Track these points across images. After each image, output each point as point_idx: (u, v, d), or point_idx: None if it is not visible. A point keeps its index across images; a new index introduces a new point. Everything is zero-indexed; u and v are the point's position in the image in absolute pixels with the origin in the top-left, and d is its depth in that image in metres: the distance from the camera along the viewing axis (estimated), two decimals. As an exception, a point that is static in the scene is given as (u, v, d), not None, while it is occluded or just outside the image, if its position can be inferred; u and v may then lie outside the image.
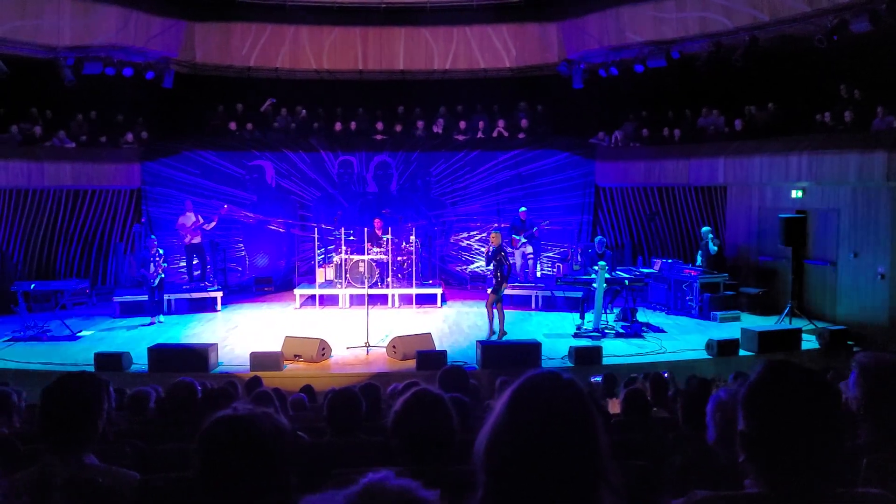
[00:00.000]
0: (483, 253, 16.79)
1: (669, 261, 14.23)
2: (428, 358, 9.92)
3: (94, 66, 14.62)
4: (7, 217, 14.51)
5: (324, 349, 10.53)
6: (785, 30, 13.06)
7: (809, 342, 11.11)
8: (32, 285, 12.54)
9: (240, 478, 1.79)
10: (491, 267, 11.81)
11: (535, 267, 15.24)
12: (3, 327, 12.33)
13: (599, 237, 13.38)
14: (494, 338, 11.56)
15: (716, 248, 13.70)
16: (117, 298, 13.83)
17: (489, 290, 11.84)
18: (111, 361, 9.78)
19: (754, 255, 14.42)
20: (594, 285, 11.88)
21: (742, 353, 10.54)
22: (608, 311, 12.27)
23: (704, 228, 13.98)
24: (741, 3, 13.28)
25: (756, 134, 14.48)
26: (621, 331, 12.02)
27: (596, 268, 11.86)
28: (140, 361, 10.08)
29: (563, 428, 1.45)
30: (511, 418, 1.47)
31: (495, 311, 11.70)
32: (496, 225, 12.41)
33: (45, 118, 15.71)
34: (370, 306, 11.39)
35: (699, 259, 13.99)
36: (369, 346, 10.97)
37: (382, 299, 14.45)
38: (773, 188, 14.03)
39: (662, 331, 12.19)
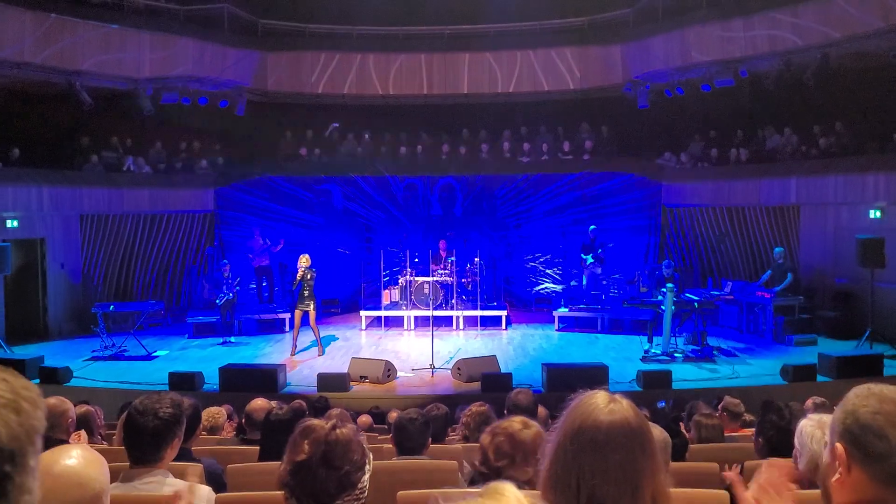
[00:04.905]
0: (548, 275, 16.77)
1: (741, 282, 13.87)
2: (493, 380, 9.89)
3: (171, 95, 15.25)
4: (89, 242, 15.15)
5: (389, 371, 10.62)
6: (858, 46, 12.70)
7: (892, 367, 10.64)
8: (111, 307, 13.04)
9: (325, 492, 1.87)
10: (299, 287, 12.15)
11: (605, 287, 15.06)
12: (84, 347, 12.84)
13: (667, 261, 13.13)
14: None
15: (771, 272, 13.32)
16: (191, 319, 14.26)
17: (309, 311, 12.13)
18: (185, 381, 10.03)
19: (830, 277, 13.93)
20: (662, 307, 11.67)
21: (820, 378, 10.17)
22: (677, 335, 12.02)
23: (777, 249, 13.57)
24: (812, 21, 12.98)
25: (829, 153, 14.06)
26: (691, 354, 11.75)
27: (664, 289, 11.65)
28: (211, 381, 10.34)
29: (618, 452, 1.46)
30: (566, 444, 1.50)
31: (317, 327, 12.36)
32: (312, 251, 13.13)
33: (126, 146, 16.39)
34: (434, 328, 11.44)
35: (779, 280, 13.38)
36: (434, 367, 11.02)
37: (447, 321, 14.51)
38: (849, 208, 13.57)
39: (734, 354, 11.88)
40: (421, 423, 4.25)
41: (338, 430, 1.92)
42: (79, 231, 14.97)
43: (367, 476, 1.95)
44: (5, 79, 13.47)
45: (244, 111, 16.51)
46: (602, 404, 1.53)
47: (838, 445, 1.51)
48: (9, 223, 13.38)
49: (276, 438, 4.08)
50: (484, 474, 2.80)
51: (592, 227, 15.16)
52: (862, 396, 1.52)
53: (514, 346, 13.10)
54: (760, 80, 14.44)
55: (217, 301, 13.20)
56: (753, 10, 14.02)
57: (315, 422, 1.96)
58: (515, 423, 2.80)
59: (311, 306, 12.05)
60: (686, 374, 10.63)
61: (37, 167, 14.31)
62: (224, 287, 13.15)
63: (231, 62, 15.88)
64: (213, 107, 16.14)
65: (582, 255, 14.90)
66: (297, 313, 12.15)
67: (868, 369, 10.29)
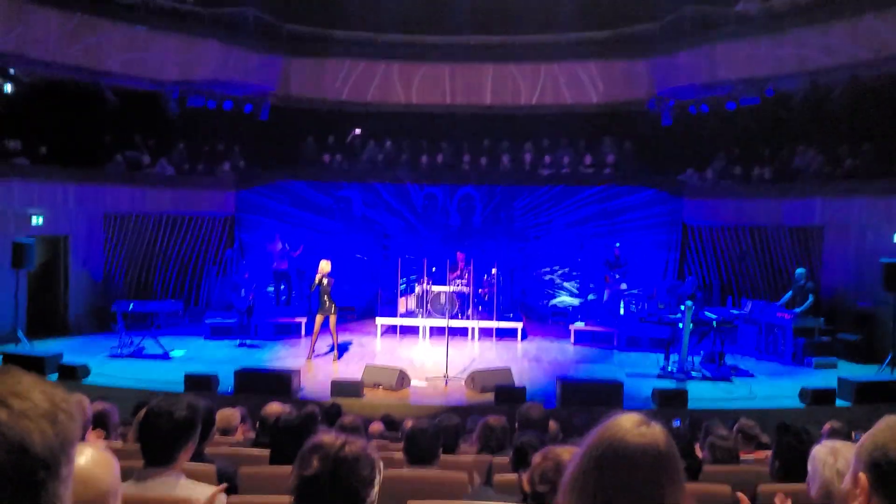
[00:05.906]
0: (565, 288, 16.73)
1: (761, 303, 13.72)
2: (506, 393, 9.85)
3: (197, 99, 15.43)
4: (111, 240, 15.30)
5: (403, 379, 10.61)
6: (888, 68, 12.57)
7: (913, 394, 10.46)
8: (131, 305, 13.14)
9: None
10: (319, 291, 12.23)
11: (628, 303, 14.98)
12: (103, 344, 12.93)
13: (691, 277, 13.02)
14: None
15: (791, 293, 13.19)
16: (208, 320, 14.33)
17: (331, 316, 12.16)
18: (200, 382, 10.08)
19: (852, 299, 13.75)
20: (680, 325, 11.57)
21: (839, 402, 10.04)
22: (695, 353, 11.91)
23: (799, 270, 13.42)
24: (841, 41, 12.88)
25: (855, 174, 13.91)
26: (708, 374, 11.63)
27: (683, 307, 11.56)
28: (226, 383, 10.38)
29: (643, 473, 1.44)
30: (591, 453, 1.48)
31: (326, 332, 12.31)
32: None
33: (149, 146, 16.55)
34: (450, 338, 11.42)
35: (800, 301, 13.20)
36: (448, 377, 10.99)
37: (462, 332, 14.47)
38: (873, 230, 13.41)
39: (752, 375, 11.73)
40: (432, 434, 4.23)
41: (348, 447, 1.91)
42: (102, 229, 15.13)
43: (375, 490, 1.94)
44: (32, 76, 13.67)
45: (268, 116, 16.64)
46: (632, 426, 1.51)
47: (861, 476, 1.48)
48: (34, 219, 13.55)
49: (285, 442, 4.09)
50: (528, 494, 2.77)
51: (618, 244, 15.11)
52: (895, 431, 1.48)
53: (529, 358, 13.04)
54: (787, 99, 14.33)
55: (242, 307, 13.32)
56: (782, 29, 13.93)
57: (325, 438, 1.95)
58: (567, 451, 2.73)
59: (333, 311, 12.11)
60: (702, 394, 10.51)
61: (63, 165, 14.48)
62: (242, 291, 13.24)
63: (255, 66, 16.03)
64: (236, 110, 16.29)
65: (607, 271, 14.85)
66: (319, 318, 12.19)
67: (889, 395, 10.15)
